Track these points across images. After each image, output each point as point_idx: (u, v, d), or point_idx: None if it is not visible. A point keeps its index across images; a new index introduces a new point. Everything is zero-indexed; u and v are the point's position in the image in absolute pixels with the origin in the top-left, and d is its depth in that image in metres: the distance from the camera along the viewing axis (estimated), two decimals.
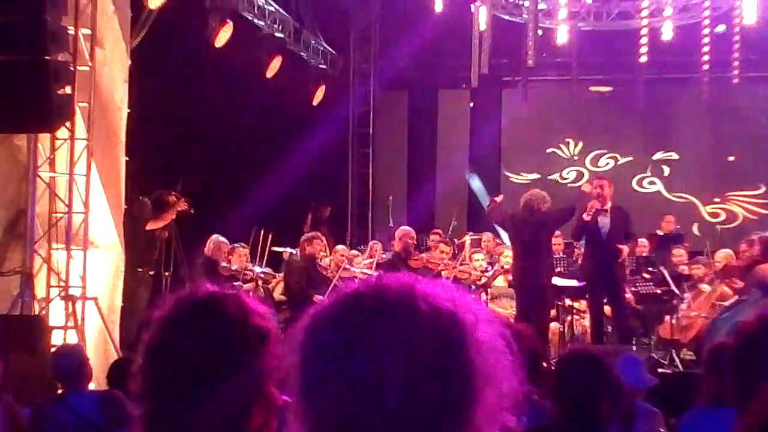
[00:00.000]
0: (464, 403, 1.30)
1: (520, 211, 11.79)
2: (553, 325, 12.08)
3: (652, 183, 18.81)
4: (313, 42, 16.57)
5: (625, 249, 11.59)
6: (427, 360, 1.28)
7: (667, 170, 18.74)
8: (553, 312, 12.09)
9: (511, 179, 18.93)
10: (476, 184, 18.75)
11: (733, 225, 18.05)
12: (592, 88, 18.47)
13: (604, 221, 11.43)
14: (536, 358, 3.57)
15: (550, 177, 18.81)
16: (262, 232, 13.26)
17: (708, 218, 18.39)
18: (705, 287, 12.26)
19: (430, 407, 1.28)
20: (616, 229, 11.45)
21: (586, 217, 11.43)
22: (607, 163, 18.94)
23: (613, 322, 11.83)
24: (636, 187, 18.65)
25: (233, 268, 12.37)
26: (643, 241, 13.93)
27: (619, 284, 11.62)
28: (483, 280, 12.95)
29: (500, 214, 12.36)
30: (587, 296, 11.98)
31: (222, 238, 12.34)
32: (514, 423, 1.35)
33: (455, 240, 14.67)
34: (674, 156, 18.68)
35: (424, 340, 1.29)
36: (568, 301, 12.34)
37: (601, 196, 11.50)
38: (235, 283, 12.19)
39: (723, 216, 18.39)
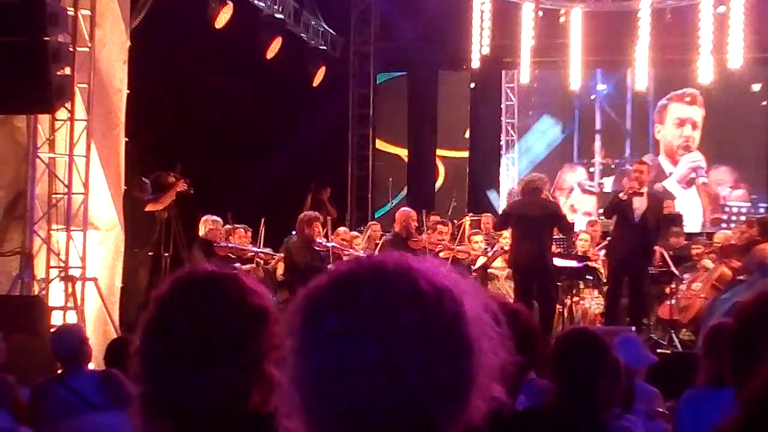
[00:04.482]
0: (469, 377, 1.32)
1: (524, 193, 11.76)
2: None
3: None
4: (313, 23, 16.52)
5: (659, 251, 11.65)
6: (435, 338, 1.29)
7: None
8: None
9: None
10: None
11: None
12: None
13: (640, 203, 11.33)
14: (533, 338, 3.57)
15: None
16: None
17: (702, 197, 18.45)
18: (707, 263, 12.30)
19: (444, 384, 1.29)
20: (651, 213, 11.39)
21: (623, 195, 11.37)
22: None
23: (628, 306, 11.69)
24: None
25: (230, 246, 12.34)
26: None
27: (644, 270, 11.56)
28: (482, 261, 12.96)
29: (503, 222, 12.23)
30: (608, 276, 11.94)
31: (215, 217, 12.29)
32: (502, 395, 1.36)
33: (454, 221, 14.65)
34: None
35: (429, 318, 1.29)
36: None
37: (639, 180, 11.44)
38: (235, 256, 12.21)
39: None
